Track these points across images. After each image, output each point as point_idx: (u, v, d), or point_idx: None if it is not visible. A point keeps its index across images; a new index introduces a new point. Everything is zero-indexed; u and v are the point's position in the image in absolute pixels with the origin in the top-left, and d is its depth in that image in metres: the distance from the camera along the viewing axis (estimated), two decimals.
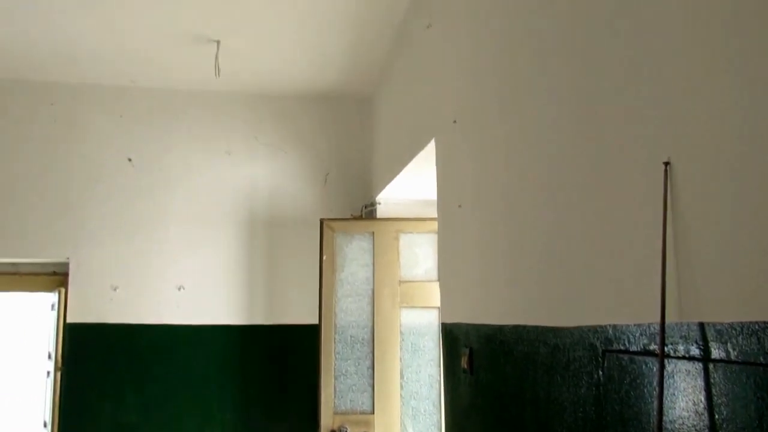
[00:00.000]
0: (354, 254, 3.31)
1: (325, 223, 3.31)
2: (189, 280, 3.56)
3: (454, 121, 2.02)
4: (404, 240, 3.29)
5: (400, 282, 3.25)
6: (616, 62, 1.12)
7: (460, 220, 1.97)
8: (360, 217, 3.58)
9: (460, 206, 1.95)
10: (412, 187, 3.14)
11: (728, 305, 0.84)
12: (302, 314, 3.55)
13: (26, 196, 3.50)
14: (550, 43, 1.39)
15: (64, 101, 3.61)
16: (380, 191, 3.36)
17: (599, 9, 1.18)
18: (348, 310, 3.26)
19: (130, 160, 3.62)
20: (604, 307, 1.14)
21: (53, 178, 3.54)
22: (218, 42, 3.05)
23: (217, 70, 3.10)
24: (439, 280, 2.19)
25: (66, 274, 3.61)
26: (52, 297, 3.64)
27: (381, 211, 3.49)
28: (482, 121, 1.79)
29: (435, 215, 3.39)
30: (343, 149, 3.80)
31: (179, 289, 3.55)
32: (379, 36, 3.00)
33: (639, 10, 1.05)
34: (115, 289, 3.50)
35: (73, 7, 2.73)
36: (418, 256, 3.28)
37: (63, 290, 3.49)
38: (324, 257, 3.26)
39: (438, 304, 3.20)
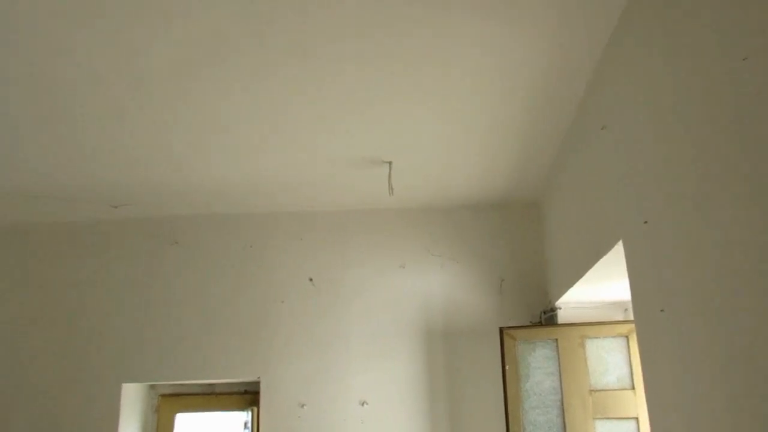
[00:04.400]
0: (537, 363, 3.20)
1: (504, 331, 3.25)
2: (371, 395, 3.60)
3: (645, 222, 1.95)
4: (590, 346, 3.14)
5: (591, 391, 3.08)
6: None
7: (663, 326, 1.85)
8: (540, 324, 3.48)
9: (662, 311, 1.84)
10: (594, 290, 3.03)
11: None
12: (488, 428, 3.44)
13: (220, 320, 3.77)
14: (741, 134, 1.32)
15: (249, 230, 3.91)
16: (560, 296, 3.27)
17: None
18: (537, 423, 3.12)
19: (311, 280, 3.81)
20: None
21: (243, 301, 3.80)
22: (390, 163, 3.20)
23: (391, 189, 3.24)
24: (645, 391, 2.04)
25: (256, 393, 3.78)
26: (245, 416, 3.81)
27: (562, 317, 3.38)
28: (677, 219, 1.71)
29: (621, 318, 3.23)
30: (516, 255, 3.77)
31: (362, 404, 3.59)
32: (548, 141, 3.02)
33: None
34: (302, 407, 3.60)
35: (259, 146, 3.01)
36: (608, 363, 3.11)
37: (255, 409, 3.65)
38: (507, 367, 3.18)
39: (636, 414, 3.00)
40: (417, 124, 2.84)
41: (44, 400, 3.70)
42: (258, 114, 2.70)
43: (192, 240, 3.92)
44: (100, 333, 3.79)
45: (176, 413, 4.05)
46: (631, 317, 2.43)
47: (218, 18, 2.04)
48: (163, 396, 4.07)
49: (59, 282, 3.90)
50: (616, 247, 2.25)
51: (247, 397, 3.97)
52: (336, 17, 2.06)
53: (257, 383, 3.74)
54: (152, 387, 4.06)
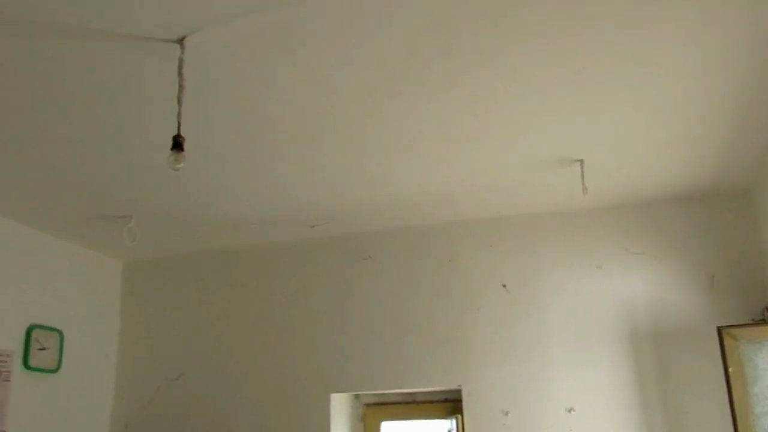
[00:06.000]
0: (766, 364, 2.91)
1: (724, 331, 3.00)
2: (578, 401, 3.48)
3: None
4: None
5: None
6: None
7: None
8: (764, 322, 3.18)
9: None
10: None
11: None
12: None
13: (417, 330, 3.83)
14: None
15: (439, 240, 3.95)
16: None
17: None
18: None
19: (504, 286, 3.77)
20: None
21: (438, 311, 3.83)
22: (582, 161, 3.09)
23: (584, 188, 3.12)
24: None
25: (456, 401, 3.80)
26: (448, 424, 3.84)
27: None
28: None
29: None
30: (726, 248, 3.47)
31: (569, 411, 3.47)
32: (762, 121, 2.75)
33: None
34: (506, 414, 3.56)
35: (446, 156, 3.03)
36: None
37: (459, 417, 3.66)
38: (730, 369, 2.93)
39: None
40: (609, 118, 2.71)
41: (261, 413, 3.97)
42: (444, 124, 2.72)
43: (384, 254, 4.04)
44: (307, 347, 4.00)
45: (381, 422, 4.17)
46: None
47: (407, 34, 2.09)
48: (367, 405, 4.22)
49: (265, 301, 4.18)
50: None
51: (447, 405, 4.01)
52: (524, 18, 2.03)
53: (457, 391, 3.76)
54: (356, 397, 4.22)
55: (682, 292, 3.48)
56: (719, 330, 3.02)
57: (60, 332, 3.87)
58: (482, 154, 3.00)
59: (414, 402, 4.15)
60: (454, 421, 3.74)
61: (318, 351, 3.97)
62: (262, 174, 3.16)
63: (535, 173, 3.24)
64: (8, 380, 3.47)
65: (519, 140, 2.88)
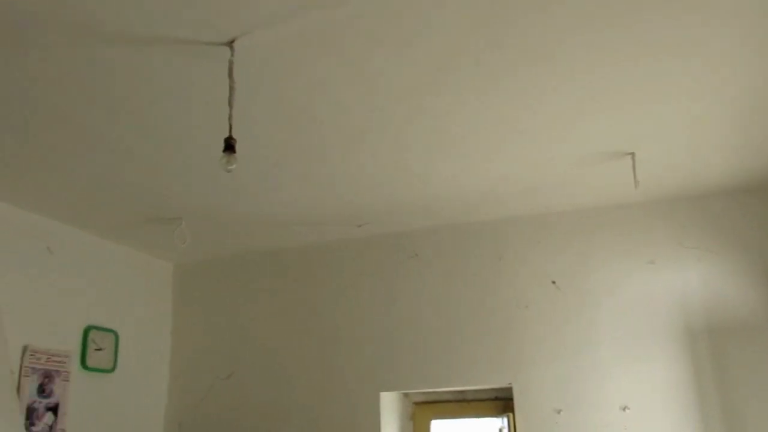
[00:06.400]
0: None
1: None
2: (632, 399, 3.41)
3: None
4: None
5: None
6: None
7: None
8: None
9: None
10: None
11: None
12: None
13: (466, 328, 3.81)
14: None
15: (486, 237, 3.92)
16: None
17: None
18: None
19: (554, 283, 3.72)
20: None
21: (486, 308, 3.81)
22: (633, 154, 3.03)
23: (636, 181, 3.06)
24: None
25: (507, 399, 3.76)
26: (498, 422, 3.80)
27: None
28: None
29: None
30: None
31: (623, 409, 3.41)
32: None
33: None
34: (559, 412, 3.51)
35: (493, 153, 3.01)
36: None
37: (510, 415, 3.62)
38: None
39: None
40: (661, 109, 2.65)
41: (311, 412, 4.00)
42: (492, 119, 2.69)
43: (430, 252, 4.02)
44: (355, 345, 4.02)
45: (431, 420, 4.16)
46: None
47: (455, 30, 2.07)
48: (417, 404, 4.21)
49: (313, 300, 4.21)
50: None
51: (498, 403, 3.97)
52: (573, 9, 2.00)
53: (508, 389, 3.72)
54: (405, 395, 4.21)
55: (739, 286, 3.39)
56: None
57: (115, 333, 3.96)
58: (531, 149, 2.97)
59: (464, 400, 4.13)
60: (505, 420, 3.70)
61: (366, 349, 3.98)
62: (309, 174, 3.18)
63: (584, 167, 3.19)
64: (67, 380, 3.57)
65: (568, 134, 2.84)
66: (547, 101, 2.55)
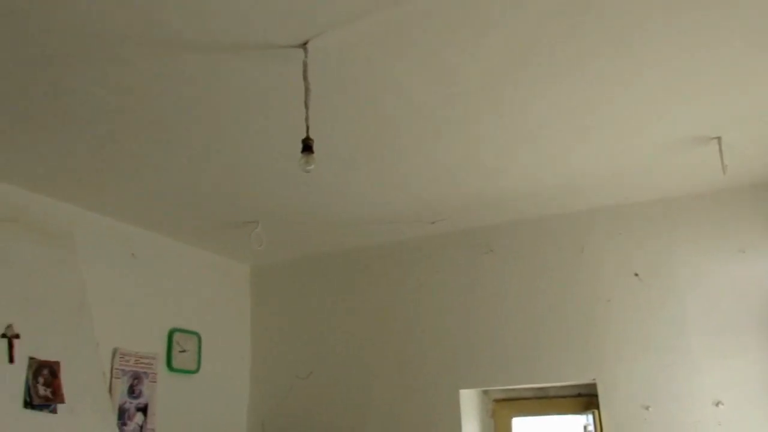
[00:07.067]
0: None
1: None
2: (726, 394, 3.26)
3: None
4: None
5: None
6: None
7: None
8: None
9: None
10: None
11: None
12: None
13: (546, 323, 3.73)
14: None
15: (564, 230, 3.82)
16: None
17: None
18: None
19: (636, 275, 3.60)
20: None
21: (566, 303, 3.71)
22: (719, 138, 2.89)
23: (724, 166, 2.92)
24: None
25: (591, 395, 3.66)
26: (584, 419, 3.71)
27: None
28: None
29: None
30: None
31: (717, 405, 3.27)
32: None
33: None
34: (647, 408, 3.39)
35: (570, 143, 2.93)
36: None
37: (596, 412, 3.53)
38: None
39: None
40: (748, 91, 2.52)
41: (390, 410, 4.00)
42: (570, 111, 2.62)
43: (506, 246, 3.96)
44: (434, 343, 3.99)
45: (512, 417, 4.09)
46: None
47: (531, 17, 2.02)
48: (497, 401, 4.15)
49: (389, 299, 4.21)
50: None
51: (581, 400, 3.87)
52: None
53: (591, 386, 3.62)
54: (485, 392, 4.16)
55: None
56: None
57: (198, 335, 4.07)
58: (611, 138, 2.88)
59: (546, 397, 4.05)
60: (590, 416, 3.60)
61: (445, 347, 3.95)
62: (383, 172, 3.18)
63: (667, 154, 3.07)
64: (155, 381, 3.68)
65: (650, 121, 2.74)
66: (627, 89, 2.46)
